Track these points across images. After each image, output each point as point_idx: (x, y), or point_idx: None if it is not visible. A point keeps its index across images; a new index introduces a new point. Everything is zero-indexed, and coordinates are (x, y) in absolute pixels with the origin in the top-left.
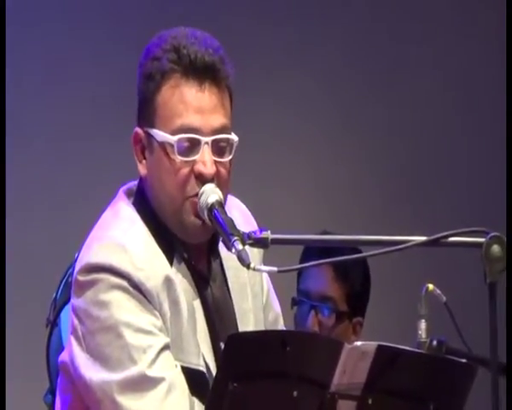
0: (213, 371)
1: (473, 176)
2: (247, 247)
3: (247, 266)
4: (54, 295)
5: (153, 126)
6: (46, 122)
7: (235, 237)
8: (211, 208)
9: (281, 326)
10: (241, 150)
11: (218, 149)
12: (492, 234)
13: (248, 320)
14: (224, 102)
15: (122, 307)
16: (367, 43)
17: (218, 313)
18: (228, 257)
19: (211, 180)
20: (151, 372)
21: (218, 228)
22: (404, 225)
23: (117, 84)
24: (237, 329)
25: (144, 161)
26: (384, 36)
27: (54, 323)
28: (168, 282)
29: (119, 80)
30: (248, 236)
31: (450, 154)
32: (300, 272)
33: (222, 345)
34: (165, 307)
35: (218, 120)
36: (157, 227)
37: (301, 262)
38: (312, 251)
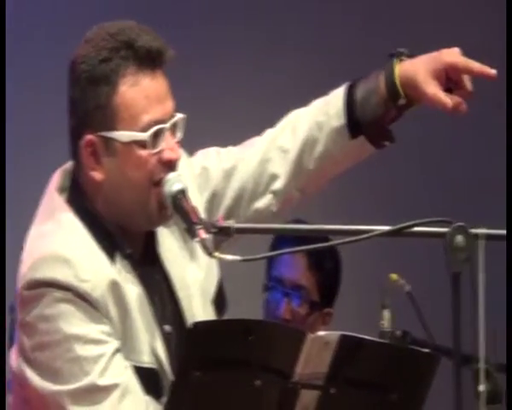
0: (165, 361)
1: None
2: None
3: (210, 255)
4: None
5: (113, 129)
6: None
7: (199, 226)
8: (175, 197)
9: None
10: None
11: (175, 130)
12: (456, 224)
13: (191, 296)
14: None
15: (69, 319)
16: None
17: (161, 297)
18: (159, 232)
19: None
20: (103, 381)
21: (181, 216)
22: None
23: None
24: (181, 309)
25: (98, 166)
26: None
27: None
28: (113, 286)
29: None
30: (212, 224)
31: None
32: (272, 258)
33: (167, 328)
34: (113, 312)
35: (171, 103)
36: (96, 226)
37: (273, 249)
38: (286, 238)
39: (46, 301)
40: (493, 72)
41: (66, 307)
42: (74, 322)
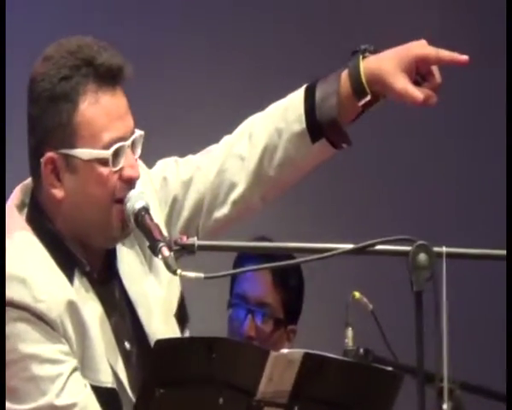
0: (124, 380)
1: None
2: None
3: (174, 272)
4: None
5: (73, 147)
6: None
7: (162, 243)
8: (138, 214)
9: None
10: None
11: (134, 147)
12: (419, 242)
13: (151, 311)
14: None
15: (26, 339)
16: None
17: (121, 314)
18: (119, 248)
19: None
20: (60, 401)
21: (144, 233)
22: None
23: None
24: (141, 325)
25: (59, 184)
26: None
27: None
28: (71, 306)
29: None
30: (175, 242)
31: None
32: (236, 275)
33: (127, 345)
34: (70, 332)
35: (131, 119)
36: (55, 244)
37: (236, 266)
38: (249, 255)
39: None
40: (465, 57)
41: (22, 327)
42: (31, 341)
